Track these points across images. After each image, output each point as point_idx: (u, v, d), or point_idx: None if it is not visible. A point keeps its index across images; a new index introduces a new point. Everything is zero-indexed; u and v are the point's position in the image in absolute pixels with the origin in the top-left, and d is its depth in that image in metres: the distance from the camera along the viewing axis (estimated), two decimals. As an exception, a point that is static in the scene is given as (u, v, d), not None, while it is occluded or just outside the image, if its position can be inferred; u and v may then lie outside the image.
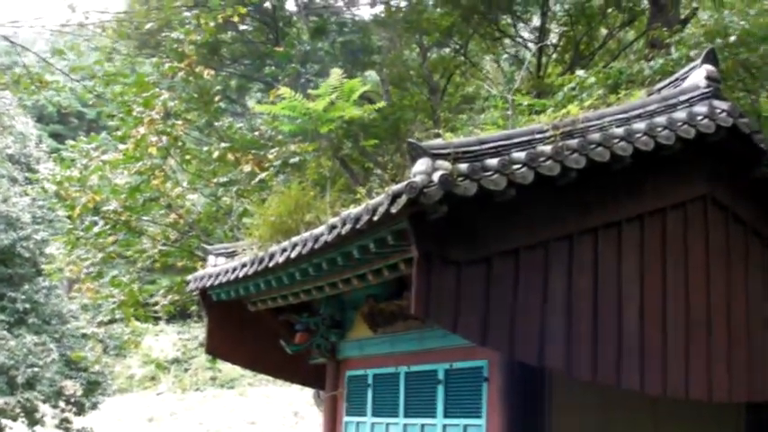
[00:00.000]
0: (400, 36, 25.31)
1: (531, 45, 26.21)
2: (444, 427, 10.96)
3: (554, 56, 26.15)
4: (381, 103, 16.41)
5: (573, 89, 14.96)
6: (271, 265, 11.01)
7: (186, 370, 53.76)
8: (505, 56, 28.13)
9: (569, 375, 9.08)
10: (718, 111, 10.17)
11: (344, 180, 19.55)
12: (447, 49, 27.63)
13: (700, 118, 9.96)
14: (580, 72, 15.87)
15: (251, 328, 13.85)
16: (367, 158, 22.95)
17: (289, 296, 12.04)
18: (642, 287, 9.57)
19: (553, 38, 26.30)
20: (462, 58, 26.84)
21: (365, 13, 39.32)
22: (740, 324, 10.55)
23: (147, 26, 23.55)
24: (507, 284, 8.48)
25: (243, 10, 20.30)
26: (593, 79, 15.02)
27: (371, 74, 26.79)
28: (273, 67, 23.20)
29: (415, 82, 26.28)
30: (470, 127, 12.70)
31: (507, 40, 27.19)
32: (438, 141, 8.56)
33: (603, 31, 25.90)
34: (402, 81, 25.87)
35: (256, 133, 21.85)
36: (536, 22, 26.31)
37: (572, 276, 8.97)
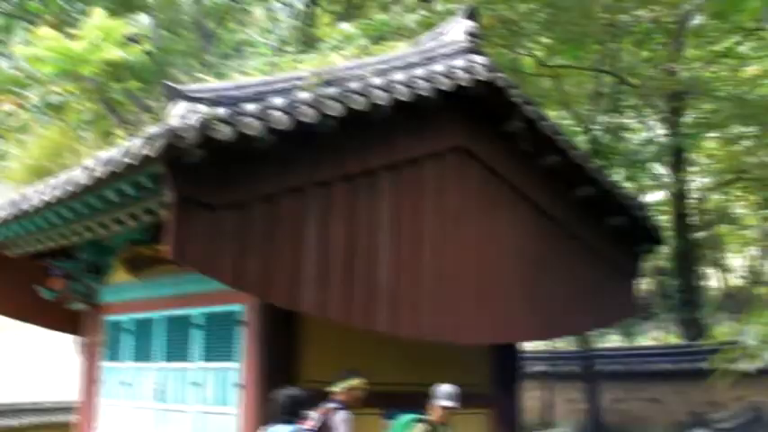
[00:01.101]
0: (174, -21, 24.81)
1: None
2: (202, 370, 11.02)
3: (326, 6, 26.17)
4: (147, 45, 16.09)
5: (338, 41, 15.04)
6: (26, 207, 10.66)
7: (-56, 320, 51.55)
8: (279, 5, 27.99)
9: (322, 317, 9.23)
10: (475, 65, 10.53)
11: (110, 123, 19.07)
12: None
13: (457, 71, 10.28)
14: (344, 25, 15.97)
15: (7, 274, 13.41)
16: (135, 102, 22.48)
17: (47, 241, 11.73)
18: (397, 234, 9.81)
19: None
20: (236, 3, 26.55)
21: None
22: (490, 272, 11.02)
23: None
24: (262, 229, 8.51)
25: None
26: (357, 31, 15.16)
27: (144, 17, 26.13)
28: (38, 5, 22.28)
29: (188, 27, 25.82)
30: (235, 73, 12.59)
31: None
32: (197, 85, 8.46)
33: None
34: (174, 25, 25.35)
35: (18, 72, 20.97)
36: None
37: (328, 222, 9.09)
